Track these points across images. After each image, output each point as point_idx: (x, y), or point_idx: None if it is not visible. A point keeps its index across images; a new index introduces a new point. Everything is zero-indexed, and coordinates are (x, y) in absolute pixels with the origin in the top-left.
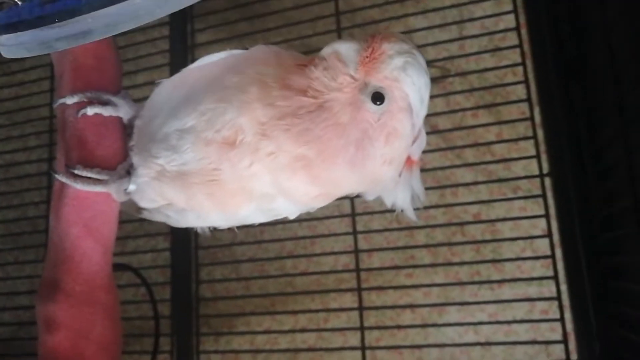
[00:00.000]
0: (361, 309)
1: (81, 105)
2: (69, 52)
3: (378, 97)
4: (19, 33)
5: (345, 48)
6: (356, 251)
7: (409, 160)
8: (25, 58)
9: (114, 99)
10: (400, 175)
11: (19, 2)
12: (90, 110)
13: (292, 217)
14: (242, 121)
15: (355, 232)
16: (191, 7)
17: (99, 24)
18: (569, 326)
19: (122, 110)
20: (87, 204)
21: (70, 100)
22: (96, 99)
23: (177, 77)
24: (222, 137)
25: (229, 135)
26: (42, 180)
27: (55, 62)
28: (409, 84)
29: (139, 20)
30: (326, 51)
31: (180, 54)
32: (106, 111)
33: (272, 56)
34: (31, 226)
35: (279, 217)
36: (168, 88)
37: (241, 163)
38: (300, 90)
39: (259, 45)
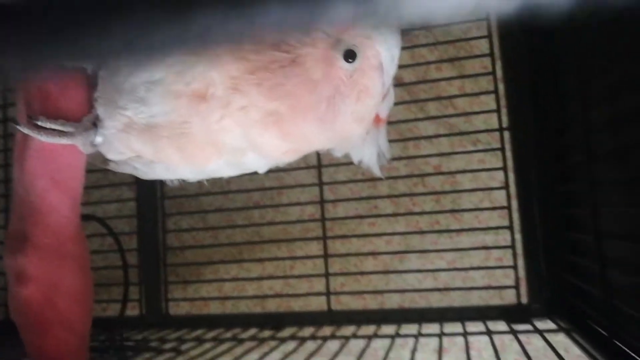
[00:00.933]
0: (326, 256)
1: None
2: None
3: (350, 55)
4: None
5: None
6: (322, 201)
7: (377, 118)
8: None
9: None
10: (367, 132)
11: None
12: None
13: (261, 171)
14: (213, 74)
15: (321, 184)
16: None
17: None
18: (521, 273)
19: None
20: (53, 157)
21: None
22: None
23: None
24: (192, 90)
25: (199, 88)
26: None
27: None
28: (381, 42)
29: None
30: None
31: None
32: None
33: None
34: None
35: (248, 171)
36: None
37: (211, 117)
38: (272, 43)
39: None
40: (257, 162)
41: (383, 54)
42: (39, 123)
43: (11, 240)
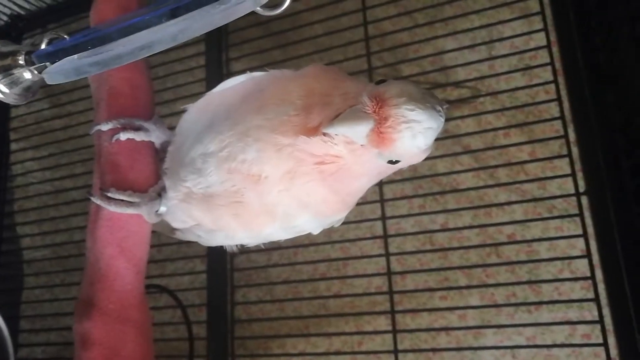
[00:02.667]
0: (395, 331)
1: (115, 131)
2: (106, 82)
3: (396, 161)
4: (58, 61)
5: (352, 132)
6: (389, 273)
7: None
8: (73, 91)
9: (146, 124)
10: None
11: (66, 37)
12: (123, 136)
13: (315, 232)
14: (267, 167)
15: (387, 254)
16: (226, 36)
17: (127, 50)
18: (613, 352)
19: (154, 135)
20: (120, 225)
21: (105, 127)
22: (129, 125)
23: (201, 102)
24: (246, 170)
25: (253, 172)
26: (87, 205)
27: (94, 92)
28: (424, 146)
29: (162, 46)
30: (333, 130)
31: (216, 82)
32: (138, 136)
33: (285, 92)
34: (77, 249)
35: (302, 234)
36: (193, 114)
37: (265, 195)
38: (316, 156)
39: (272, 71)
40: (310, 224)
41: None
42: (109, 194)
43: (80, 306)
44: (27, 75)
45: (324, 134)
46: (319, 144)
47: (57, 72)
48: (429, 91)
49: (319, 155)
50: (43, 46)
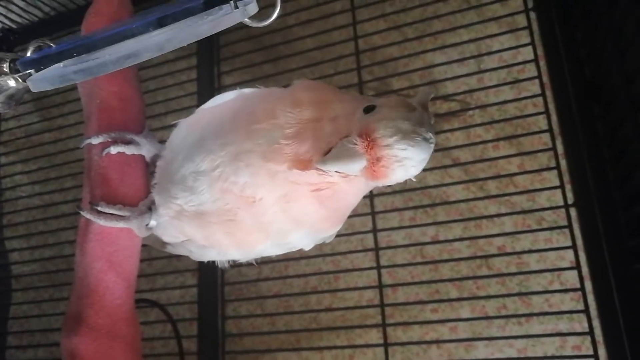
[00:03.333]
0: (386, 344)
1: (105, 145)
2: (97, 95)
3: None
4: (43, 69)
5: (344, 169)
6: (380, 286)
7: None
8: (64, 104)
9: (136, 138)
10: None
11: (52, 45)
12: (114, 149)
13: (307, 248)
14: (261, 191)
15: (379, 267)
16: (218, 50)
17: (112, 58)
18: None
19: (144, 149)
20: (110, 239)
21: (95, 141)
22: (120, 139)
23: (191, 118)
24: (239, 191)
25: (247, 195)
26: (77, 219)
27: (84, 105)
28: (415, 173)
29: (148, 54)
30: (326, 167)
31: (207, 96)
32: (129, 150)
33: (275, 109)
34: (66, 264)
35: (294, 250)
36: (184, 130)
37: (259, 215)
38: (312, 184)
39: (261, 89)
40: (303, 240)
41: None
42: (99, 208)
43: (68, 321)
44: (12, 83)
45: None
46: (314, 175)
47: (42, 80)
48: (419, 114)
49: (315, 183)
50: (29, 54)
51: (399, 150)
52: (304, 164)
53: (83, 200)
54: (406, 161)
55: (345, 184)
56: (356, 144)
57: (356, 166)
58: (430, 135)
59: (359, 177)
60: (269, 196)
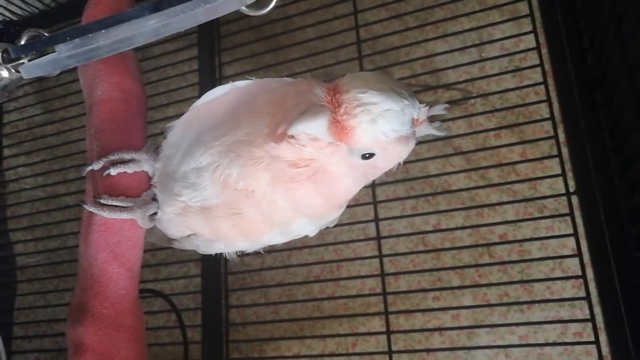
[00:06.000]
0: (389, 332)
1: (107, 167)
2: (98, 86)
3: (369, 154)
4: (36, 55)
5: (311, 128)
6: (382, 274)
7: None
8: (66, 96)
9: (137, 156)
10: None
11: (46, 34)
12: (114, 171)
13: (311, 235)
14: (250, 181)
15: (381, 256)
16: (219, 41)
17: (106, 42)
18: (605, 349)
19: (146, 165)
20: (114, 230)
21: (97, 166)
22: (120, 160)
23: (187, 115)
24: (233, 184)
25: (241, 187)
26: (81, 211)
27: (86, 96)
28: (390, 132)
29: (143, 39)
30: (294, 131)
31: (209, 87)
32: (130, 169)
33: (266, 106)
34: (70, 255)
35: (299, 237)
36: (181, 127)
37: (258, 207)
38: (290, 162)
39: (256, 80)
40: (306, 227)
41: (398, 133)
42: (102, 201)
43: (73, 311)
44: (4, 73)
45: (290, 137)
46: (289, 148)
47: (34, 66)
48: (396, 80)
49: (291, 160)
50: (22, 43)
51: (359, 93)
52: (278, 137)
53: (86, 194)
54: (370, 106)
55: (325, 161)
56: (321, 101)
57: (320, 121)
58: (402, 91)
59: (338, 153)
60: (258, 186)
